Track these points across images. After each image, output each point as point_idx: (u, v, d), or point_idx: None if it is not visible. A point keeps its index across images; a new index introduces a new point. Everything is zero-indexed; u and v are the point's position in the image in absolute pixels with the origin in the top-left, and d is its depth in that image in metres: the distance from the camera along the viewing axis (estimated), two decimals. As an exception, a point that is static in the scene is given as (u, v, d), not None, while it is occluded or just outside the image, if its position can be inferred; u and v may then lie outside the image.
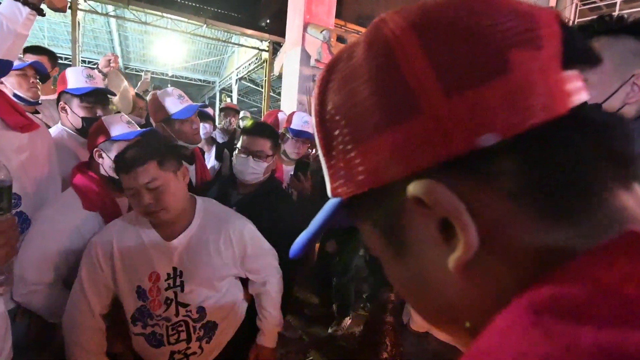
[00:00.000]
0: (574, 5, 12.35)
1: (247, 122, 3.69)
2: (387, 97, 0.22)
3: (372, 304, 1.55)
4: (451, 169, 0.21)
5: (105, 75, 2.03)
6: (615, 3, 11.50)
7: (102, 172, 1.24)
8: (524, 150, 0.20)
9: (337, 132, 0.25)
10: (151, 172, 0.98)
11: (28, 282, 1.09)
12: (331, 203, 0.28)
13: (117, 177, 1.09)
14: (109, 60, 2.10)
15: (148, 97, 2.35)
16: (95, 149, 1.26)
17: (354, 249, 2.68)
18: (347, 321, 2.79)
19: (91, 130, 1.30)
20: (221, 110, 3.33)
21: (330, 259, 2.79)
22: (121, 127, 1.26)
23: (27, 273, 1.08)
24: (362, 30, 3.86)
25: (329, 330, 2.70)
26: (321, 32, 2.83)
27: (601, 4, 12.18)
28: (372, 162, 0.23)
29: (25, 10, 0.93)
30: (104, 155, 1.24)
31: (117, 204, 1.27)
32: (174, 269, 1.06)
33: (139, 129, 1.31)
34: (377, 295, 2.38)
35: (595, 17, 0.84)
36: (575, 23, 12.92)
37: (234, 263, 1.16)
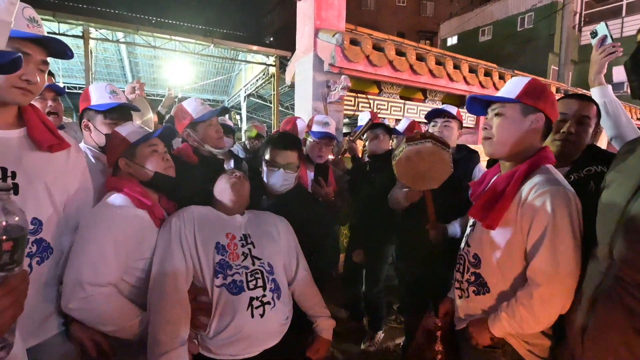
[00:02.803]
0: (580, -3, 12.19)
1: (251, 131, 3.58)
2: None
3: (415, 330, 1.44)
4: None
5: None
6: (623, -8, 11.34)
7: (142, 177, 1.25)
8: None
9: None
10: None
11: (85, 284, 1.03)
12: None
13: (159, 175, 1.25)
14: (134, 87, 2.08)
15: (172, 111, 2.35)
16: (120, 159, 1.24)
17: (383, 258, 2.53)
18: (380, 335, 2.63)
19: (110, 144, 1.28)
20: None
21: (358, 270, 2.65)
22: (136, 132, 1.27)
23: (85, 274, 1.04)
24: (374, 33, 3.82)
25: (362, 347, 2.54)
26: (333, 35, 2.77)
27: (607, -6, 12.02)
28: None
29: None
30: (135, 165, 1.24)
31: (159, 206, 1.30)
32: (243, 235, 1.31)
33: (150, 129, 1.30)
34: (416, 313, 2.22)
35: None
36: (583, 15, 12.66)
37: (283, 246, 1.39)
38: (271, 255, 1.32)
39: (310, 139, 2.11)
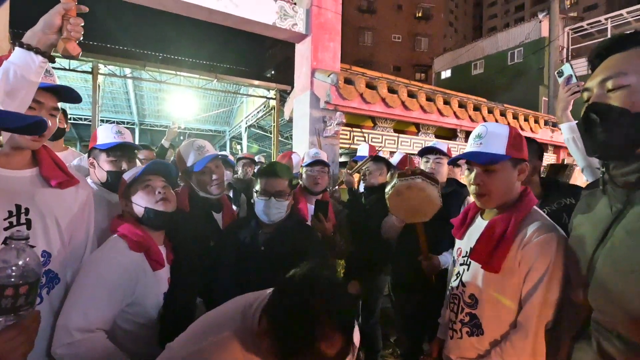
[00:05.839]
0: (565, 33, 12.86)
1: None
2: None
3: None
4: None
5: None
6: (606, 28, 11.96)
7: (138, 214, 1.27)
8: None
9: None
10: None
11: (72, 329, 1.04)
12: None
13: (149, 210, 1.23)
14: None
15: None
16: (121, 200, 1.30)
17: (378, 289, 2.55)
18: (377, 369, 2.59)
19: (119, 191, 1.34)
20: (239, 160, 3.41)
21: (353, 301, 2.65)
22: (134, 171, 1.33)
23: (74, 319, 1.05)
24: (366, 71, 4.05)
25: (359, 381, 2.50)
26: (329, 75, 2.95)
27: (592, 30, 12.67)
28: None
29: (38, 59, 0.93)
30: (131, 204, 1.28)
31: (159, 249, 1.30)
32: None
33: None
34: (413, 346, 2.22)
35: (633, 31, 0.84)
36: (570, 50, 13.12)
37: None
38: None
39: (304, 170, 2.22)
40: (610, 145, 0.81)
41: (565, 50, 13.13)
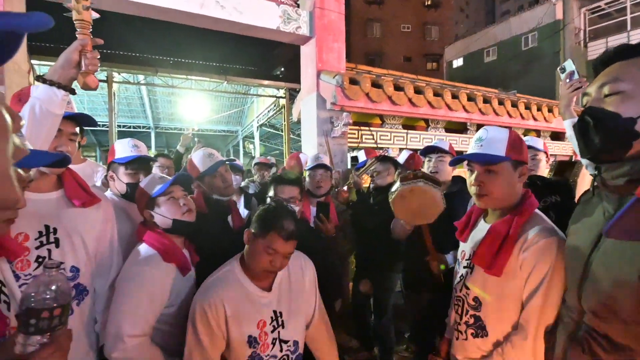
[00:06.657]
0: (582, 14, 12.35)
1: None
2: None
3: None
4: None
5: None
6: (625, 7, 11.41)
7: (163, 225, 1.36)
8: None
9: None
10: (295, 246, 1.23)
11: (125, 337, 1.17)
12: None
13: (177, 222, 1.36)
14: None
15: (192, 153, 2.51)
16: (145, 211, 1.39)
17: (389, 287, 2.59)
18: (391, 365, 2.64)
19: (136, 198, 1.44)
20: (255, 164, 3.57)
21: (366, 299, 2.71)
22: (155, 183, 1.40)
23: (124, 327, 1.18)
24: (372, 69, 4.04)
25: (373, 377, 2.56)
26: (334, 77, 2.99)
27: (610, 9, 12.12)
28: None
29: (61, 93, 1.01)
30: (153, 213, 1.37)
31: (185, 255, 1.40)
32: (274, 312, 1.27)
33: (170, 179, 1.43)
34: (425, 343, 2.26)
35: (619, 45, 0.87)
36: (587, 31, 12.50)
37: (311, 296, 1.38)
38: (298, 326, 1.32)
39: (307, 173, 2.31)
40: (602, 148, 0.83)
41: (582, 32, 12.62)
